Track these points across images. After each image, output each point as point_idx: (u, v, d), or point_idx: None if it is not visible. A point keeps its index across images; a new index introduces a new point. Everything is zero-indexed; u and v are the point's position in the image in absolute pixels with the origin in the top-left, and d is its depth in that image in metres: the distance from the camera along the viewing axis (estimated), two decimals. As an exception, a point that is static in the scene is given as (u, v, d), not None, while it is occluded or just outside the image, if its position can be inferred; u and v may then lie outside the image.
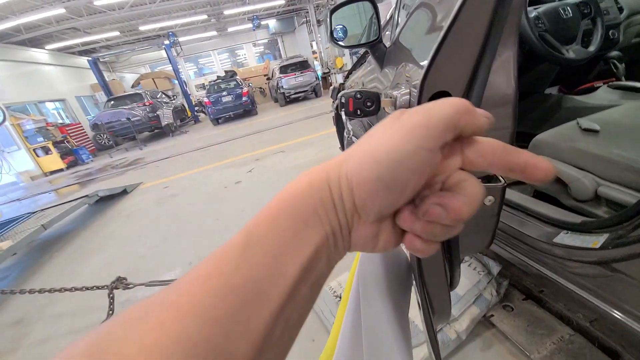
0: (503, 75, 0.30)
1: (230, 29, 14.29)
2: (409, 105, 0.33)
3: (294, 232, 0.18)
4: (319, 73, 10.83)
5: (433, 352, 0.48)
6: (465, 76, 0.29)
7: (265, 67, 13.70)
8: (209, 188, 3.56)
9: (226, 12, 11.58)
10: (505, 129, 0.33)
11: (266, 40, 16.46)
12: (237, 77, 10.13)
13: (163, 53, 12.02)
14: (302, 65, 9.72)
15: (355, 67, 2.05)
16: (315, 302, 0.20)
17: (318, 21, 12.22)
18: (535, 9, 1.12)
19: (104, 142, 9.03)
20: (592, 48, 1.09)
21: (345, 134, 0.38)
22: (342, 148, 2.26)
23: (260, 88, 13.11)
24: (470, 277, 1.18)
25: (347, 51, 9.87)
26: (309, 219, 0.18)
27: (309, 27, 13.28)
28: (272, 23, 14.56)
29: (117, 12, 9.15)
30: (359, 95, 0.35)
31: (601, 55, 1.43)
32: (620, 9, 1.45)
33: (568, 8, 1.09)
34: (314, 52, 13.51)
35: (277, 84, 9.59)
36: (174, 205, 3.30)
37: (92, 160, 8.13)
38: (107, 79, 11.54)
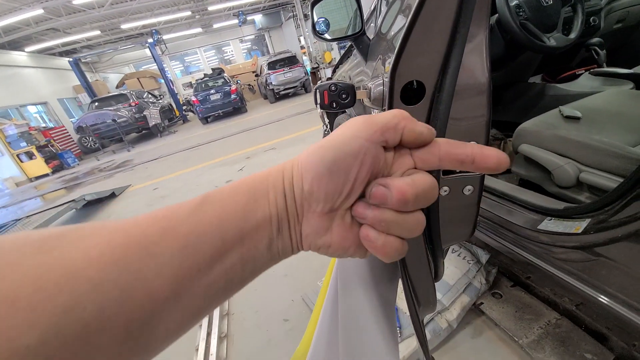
0: (476, 63, 0.30)
1: (215, 26, 14.03)
2: (383, 95, 0.33)
3: (243, 205, 0.19)
4: (308, 68, 10.74)
5: (419, 343, 0.49)
6: (436, 64, 0.28)
7: (253, 63, 13.53)
8: (199, 188, 3.51)
9: (210, 8, 11.36)
10: (481, 117, 0.33)
11: (253, 36, 16.23)
12: (225, 74, 9.97)
13: (147, 52, 11.75)
14: (291, 61, 9.62)
15: (342, 61, 2.03)
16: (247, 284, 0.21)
17: (305, 15, 12.09)
18: (516, -3, 1.12)
19: (90, 145, 8.82)
20: (572, 35, 1.10)
21: (322, 128, 0.37)
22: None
23: (249, 85, 12.95)
24: (460, 266, 1.20)
25: (335, 45, 9.82)
26: (260, 198, 0.20)
27: (296, 21, 13.11)
28: (258, 18, 14.34)
29: (97, 10, 8.88)
30: (333, 88, 0.34)
31: (582, 42, 1.45)
32: (602, -5, 1.46)
33: (548, -4, 1.10)
34: (302, 47, 13.38)
35: (266, 80, 9.48)
36: (164, 205, 3.25)
37: (78, 164, 7.94)
38: (90, 80, 11.23)
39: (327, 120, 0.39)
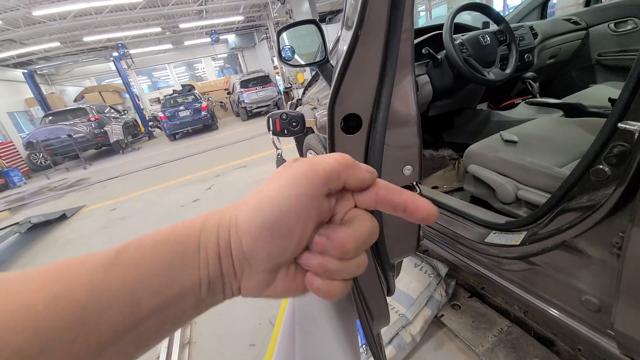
0: (405, 100, 0.35)
1: (187, 43, 13.93)
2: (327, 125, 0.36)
3: (166, 267, 0.17)
4: (281, 88, 10.94)
5: (373, 355, 0.51)
6: (370, 100, 0.33)
7: (225, 81, 13.51)
8: (163, 208, 3.34)
9: (182, 26, 11.30)
10: (414, 146, 0.38)
11: (226, 55, 16.29)
12: (196, 91, 9.83)
13: (111, 65, 11.28)
14: (264, 80, 9.76)
15: (311, 83, 2.12)
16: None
17: (278, 38, 12.41)
18: (460, 36, 1.28)
19: (40, 162, 8.09)
20: (508, 70, 1.26)
21: (275, 153, 0.39)
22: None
23: (221, 102, 12.85)
24: (421, 280, 1.25)
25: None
26: (188, 260, 0.18)
27: (269, 42, 13.45)
28: (231, 38, 14.50)
29: (58, 22, 8.46)
30: (284, 116, 0.37)
31: (519, 75, 1.66)
32: (535, 35, 1.69)
33: (487, 36, 1.26)
34: (275, 67, 13.65)
35: (239, 98, 9.48)
36: (122, 228, 3.04)
37: (25, 183, 7.20)
38: (45, 93, 10.47)
39: (279, 146, 0.42)
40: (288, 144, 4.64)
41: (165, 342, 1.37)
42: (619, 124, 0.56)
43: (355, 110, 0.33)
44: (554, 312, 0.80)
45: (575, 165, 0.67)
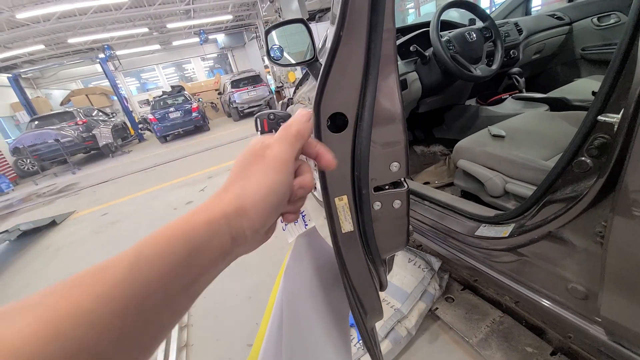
0: (389, 98, 0.35)
1: (175, 43, 13.74)
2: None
3: (186, 257, 0.20)
4: (273, 87, 10.88)
5: (367, 349, 0.51)
6: (355, 99, 0.34)
7: (216, 81, 13.37)
8: (156, 211, 3.31)
9: (170, 26, 11.14)
10: (400, 142, 0.38)
11: (215, 55, 16.12)
12: (186, 92, 9.71)
13: (98, 67, 11.07)
14: (255, 80, 9.69)
15: (302, 82, 2.12)
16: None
17: (268, 37, 12.33)
18: (447, 33, 1.29)
19: (28, 168, 7.90)
20: (494, 66, 1.28)
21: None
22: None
23: (212, 103, 12.72)
24: (415, 274, 1.27)
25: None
26: (204, 249, 0.21)
27: (259, 42, 13.35)
28: (220, 38, 14.35)
29: (42, 24, 8.25)
30: (272, 116, 0.38)
31: (506, 71, 1.69)
32: (520, 31, 1.72)
33: (473, 33, 1.28)
34: (266, 67, 13.57)
35: (230, 98, 9.40)
36: (114, 233, 3.00)
37: (12, 190, 7.03)
38: (30, 97, 10.22)
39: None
40: (281, 144, 4.60)
41: (162, 346, 1.36)
42: (599, 117, 0.58)
43: (340, 109, 0.33)
44: (543, 301, 0.82)
45: (559, 157, 0.69)
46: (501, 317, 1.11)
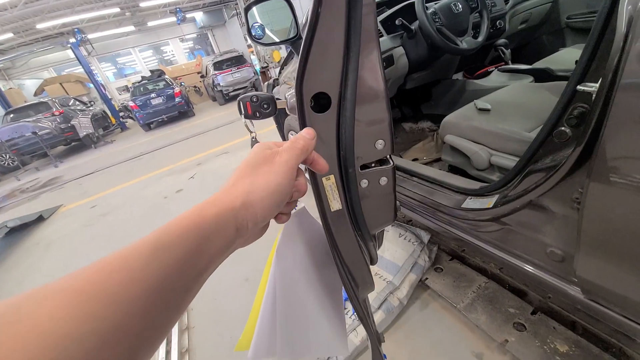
0: (372, 75, 0.35)
1: (150, 24, 12.96)
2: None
3: (198, 246, 0.22)
4: (257, 68, 10.51)
5: (360, 319, 0.54)
6: (337, 78, 0.33)
7: (197, 64, 12.81)
8: (146, 201, 3.27)
9: (142, 4, 10.47)
10: (384, 120, 0.39)
11: (195, 35, 15.34)
12: (166, 76, 9.30)
13: (70, 53, 10.41)
14: (238, 61, 9.33)
15: (287, 61, 2.05)
16: None
17: (249, 14, 11.74)
18: (433, 4, 1.26)
19: (7, 164, 7.59)
20: (480, 38, 1.27)
21: (250, 137, 0.40)
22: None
23: (195, 87, 12.25)
24: (406, 248, 1.32)
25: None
26: (213, 238, 0.24)
27: (240, 19, 12.72)
28: (199, 16, 13.60)
29: (9, 11, 7.63)
30: (255, 99, 0.37)
31: (492, 43, 1.67)
32: (506, 0, 1.69)
33: (458, 3, 1.25)
34: (249, 46, 13.03)
35: (213, 81, 9.07)
36: (105, 225, 2.96)
37: (-7, 187, 6.79)
38: (3, 89, 9.64)
39: (253, 129, 0.42)
40: (264, 129, 4.56)
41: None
42: (578, 87, 0.59)
43: (323, 89, 0.33)
44: (524, 266, 0.87)
45: (541, 128, 0.71)
46: (486, 283, 1.17)
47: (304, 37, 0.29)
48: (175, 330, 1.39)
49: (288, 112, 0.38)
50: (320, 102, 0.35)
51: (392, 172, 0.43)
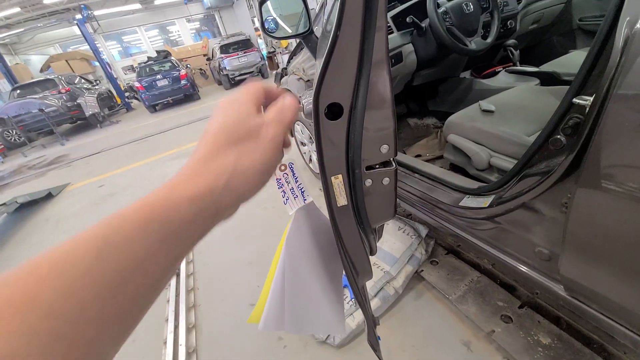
0: (380, 88, 0.39)
1: (157, 2, 12.75)
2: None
3: (162, 242, 0.18)
4: (264, 52, 10.37)
5: (359, 304, 0.60)
6: (349, 90, 0.38)
7: (203, 46, 12.66)
8: (153, 183, 3.34)
9: (151, -17, 10.27)
10: (389, 127, 0.43)
11: (202, 16, 15.07)
12: (172, 57, 9.23)
13: (76, 30, 10.30)
14: (245, 44, 9.22)
15: (296, 51, 2.07)
16: None
17: (258, -4, 11.49)
18: (445, 3, 1.27)
19: (14, 139, 7.68)
20: (489, 40, 1.29)
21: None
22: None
23: (201, 70, 12.16)
24: (404, 241, 1.38)
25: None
26: (182, 231, 0.19)
27: (249, 1, 12.46)
28: (206, -4, 13.34)
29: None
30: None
31: (501, 43, 1.68)
32: (519, 0, 1.68)
33: (470, 3, 1.26)
34: (256, 29, 12.81)
35: (219, 65, 9.00)
36: (114, 205, 3.05)
37: (2, 162, 6.91)
38: (9, 64, 9.63)
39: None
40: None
41: (171, 307, 1.49)
42: (574, 99, 0.63)
43: (336, 100, 0.38)
44: (514, 263, 0.93)
45: (539, 134, 0.75)
46: (479, 277, 1.24)
47: (324, 56, 0.34)
48: (182, 308, 1.47)
49: (303, 117, 0.43)
50: (334, 111, 0.39)
51: (394, 174, 0.48)
